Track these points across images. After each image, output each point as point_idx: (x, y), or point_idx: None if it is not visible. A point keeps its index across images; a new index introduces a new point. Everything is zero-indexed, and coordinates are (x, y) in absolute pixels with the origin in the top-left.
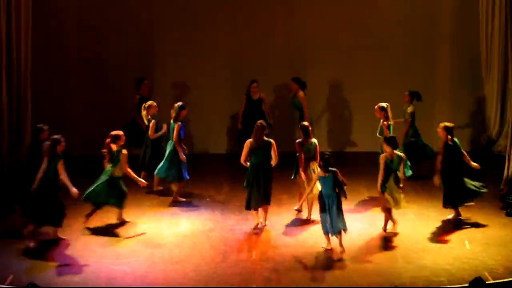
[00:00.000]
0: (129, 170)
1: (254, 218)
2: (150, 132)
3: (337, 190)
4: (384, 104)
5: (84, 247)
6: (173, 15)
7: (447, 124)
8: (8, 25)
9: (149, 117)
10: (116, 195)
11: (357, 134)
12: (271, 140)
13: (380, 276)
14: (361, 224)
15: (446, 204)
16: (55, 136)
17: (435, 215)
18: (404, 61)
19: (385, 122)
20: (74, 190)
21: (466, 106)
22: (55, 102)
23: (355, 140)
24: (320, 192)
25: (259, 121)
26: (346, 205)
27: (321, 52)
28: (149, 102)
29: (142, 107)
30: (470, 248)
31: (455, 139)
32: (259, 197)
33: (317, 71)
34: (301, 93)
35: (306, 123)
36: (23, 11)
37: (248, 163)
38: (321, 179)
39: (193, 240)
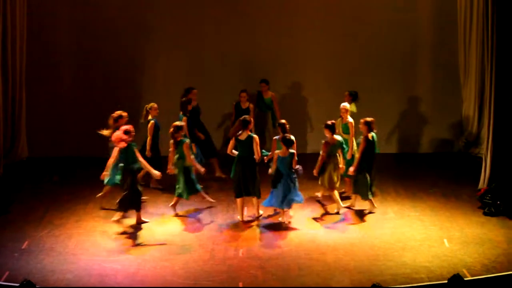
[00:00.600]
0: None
1: (238, 209)
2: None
3: (293, 170)
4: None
5: (77, 245)
6: (167, 18)
7: (368, 119)
8: (4, 27)
9: (150, 117)
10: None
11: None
12: (254, 135)
13: (361, 274)
14: (342, 223)
15: (356, 192)
16: (126, 127)
17: (415, 214)
18: (388, 67)
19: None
20: (156, 172)
21: (445, 110)
22: (49, 103)
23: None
24: (277, 170)
25: (244, 116)
26: (328, 206)
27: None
28: (151, 104)
29: (144, 109)
30: (449, 246)
31: (374, 135)
32: (246, 187)
33: (296, 76)
34: (272, 93)
35: (283, 120)
36: (18, 14)
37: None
38: (280, 158)
39: (182, 238)
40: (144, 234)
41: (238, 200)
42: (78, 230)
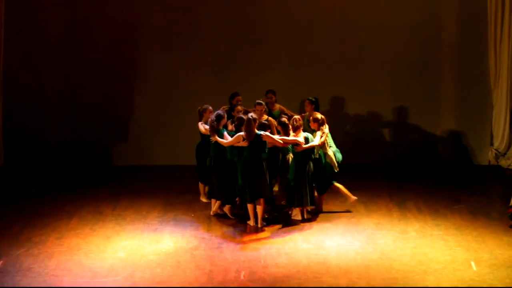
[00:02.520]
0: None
1: (250, 213)
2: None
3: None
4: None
5: (58, 265)
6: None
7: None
8: None
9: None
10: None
11: (354, 146)
12: (262, 132)
13: None
14: (359, 242)
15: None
16: (219, 112)
17: (439, 233)
18: (405, 70)
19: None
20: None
21: (472, 117)
22: (27, 109)
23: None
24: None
25: (250, 114)
26: (341, 222)
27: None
28: (204, 106)
29: (197, 112)
30: (476, 269)
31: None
32: (253, 190)
33: (311, 81)
34: (280, 106)
35: (284, 119)
36: None
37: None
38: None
39: (176, 258)
40: (134, 253)
41: (250, 205)
42: (59, 249)
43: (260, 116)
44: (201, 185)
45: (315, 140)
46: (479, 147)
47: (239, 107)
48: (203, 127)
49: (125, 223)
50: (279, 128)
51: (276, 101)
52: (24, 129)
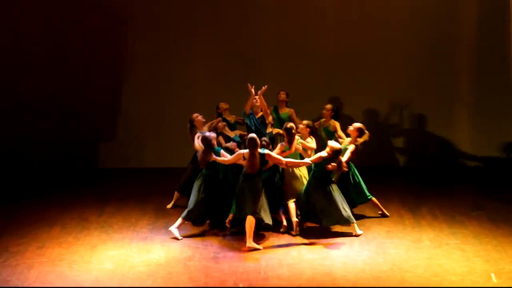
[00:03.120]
0: None
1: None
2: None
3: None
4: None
5: (38, 278)
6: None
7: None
8: None
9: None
10: None
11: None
12: (265, 151)
13: None
14: (368, 252)
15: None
16: (204, 135)
17: (456, 242)
18: (418, 67)
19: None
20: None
21: (491, 116)
22: (7, 110)
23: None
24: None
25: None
26: (350, 229)
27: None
28: (194, 116)
29: (188, 122)
30: (496, 282)
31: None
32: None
33: (317, 80)
34: (291, 110)
35: (291, 124)
36: None
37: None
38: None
39: (168, 270)
40: (122, 264)
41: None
42: (40, 259)
43: (257, 110)
44: (176, 194)
45: (345, 157)
46: (499, 149)
47: (223, 104)
48: (198, 143)
49: (112, 231)
50: (283, 133)
51: (287, 104)
52: (4, 130)
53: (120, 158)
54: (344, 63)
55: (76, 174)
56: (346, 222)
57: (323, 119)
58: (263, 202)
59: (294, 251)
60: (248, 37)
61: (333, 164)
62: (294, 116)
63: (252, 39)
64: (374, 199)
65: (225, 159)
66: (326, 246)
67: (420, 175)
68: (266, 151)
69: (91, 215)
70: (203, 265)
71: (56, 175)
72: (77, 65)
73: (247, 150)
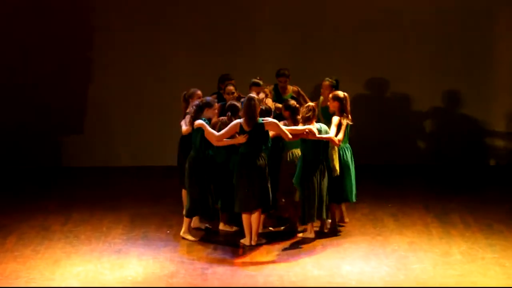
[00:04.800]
0: None
1: (246, 227)
2: None
3: None
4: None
5: None
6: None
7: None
8: None
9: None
10: None
11: (380, 142)
12: (266, 119)
13: None
14: (388, 268)
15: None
16: (207, 98)
17: (493, 256)
18: (448, 50)
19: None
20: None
21: None
22: None
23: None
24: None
25: (251, 95)
26: (364, 241)
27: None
28: (191, 90)
29: (182, 98)
30: None
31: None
32: (249, 197)
33: (319, 63)
34: (294, 87)
35: (293, 102)
36: None
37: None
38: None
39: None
40: (90, 281)
41: (246, 216)
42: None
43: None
44: (184, 192)
45: (331, 132)
46: None
47: (231, 87)
48: (184, 124)
49: (78, 242)
50: (285, 114)
51: (288, 82)
52: None
53: (88, 155)
54: (354, 38)
55: (35, 174)
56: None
57: (321, 98)
58: (268, 186)
59: (297, 267)
60: (239, 9)
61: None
62: (301, 91)
63: (245, 10)
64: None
65: (215, 133)
66: (336, 260)
67: (447, 175)
68: (267, 119)
69: (53, 223)
70: (188, 282)
71: (11, 175)
72: (35, 48)
73: (241, 120)
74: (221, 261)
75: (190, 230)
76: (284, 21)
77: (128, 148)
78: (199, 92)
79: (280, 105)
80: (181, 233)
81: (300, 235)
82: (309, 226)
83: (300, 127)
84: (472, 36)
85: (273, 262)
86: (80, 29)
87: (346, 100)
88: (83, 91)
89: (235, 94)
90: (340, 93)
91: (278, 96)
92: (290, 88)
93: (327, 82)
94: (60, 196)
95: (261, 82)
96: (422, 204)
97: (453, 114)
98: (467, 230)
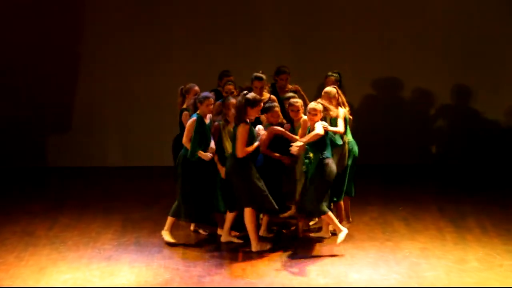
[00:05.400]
0: None
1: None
2: None
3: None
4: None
5: None
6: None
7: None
8: None
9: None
10: None
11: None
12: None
13: None
14: (398, 276)
15: None
16: (206, 94)
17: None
18: (461, 45)
19: None
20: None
21: None
22: None
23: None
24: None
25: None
26: (372, 246)
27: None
28: (189, 85)
29: (179, 92)
30: None
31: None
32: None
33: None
34: (295, 86)
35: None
36: None
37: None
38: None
39: None
40: None
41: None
42: None
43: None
44: None
45: (340, 126)
46: None
47: (229, 86)
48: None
49: (65, 248)
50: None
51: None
52: None
53: (75, 154)
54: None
55: (19, 174)
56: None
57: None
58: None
59: (301, 274)
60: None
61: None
62: (300, 90)
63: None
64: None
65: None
66: (343, 267)
67: (463, 175)
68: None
69: (38, 227)
70: None
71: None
72: (23, 44)
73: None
74: (219, 268)
75: (171, 230)
76: (286, 19)
77: (118, 147)
78: (196, 88)
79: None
80: (162, 232)
81: (313, 234)
82: (324, 225)
83: (313, 133)
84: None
85: (276, 269)
86: (71, 26)
87: (334, 96)
88: (71, 87)
89: (234, 93)
90: (318, 106)
91: (276, 95)
92: (289, 86)
93: (332, 77)
94: (45, 198)
95: (263, 76)
96: (436, 207)
97: (466, 112)
98: (484, 235)
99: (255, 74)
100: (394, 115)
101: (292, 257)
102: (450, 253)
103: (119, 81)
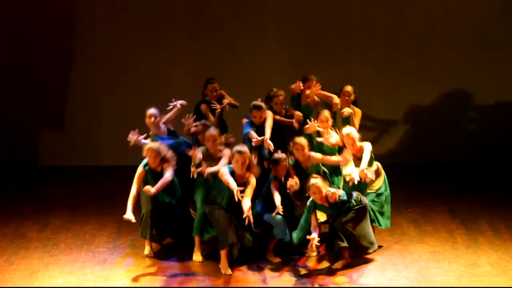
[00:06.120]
0: None
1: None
2: None
3: None
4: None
5: None
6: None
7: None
8: None
9: None
10: None
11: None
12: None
13: None
14: (407, 280)
15: None
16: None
17: None
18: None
19: None
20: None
21: None
22: None
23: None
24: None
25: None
26: (380, 250)
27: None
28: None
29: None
30: None
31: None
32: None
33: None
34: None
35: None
36: None
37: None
38: None
39: None
40: None
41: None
42: None
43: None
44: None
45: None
46: None
47: (214, 85)
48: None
49: (58, 251)
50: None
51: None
52: None
53: (68, 153)
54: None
55: (8, 174)
56: None
57: (339, 102)
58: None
59: (306, 277)
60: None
61: None
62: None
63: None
64: None
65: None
66: (349, 271)
67: (474, 176)
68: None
69: (29, 229)
70: None
71: None
72: (10, 34)
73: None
74: (218, 273)
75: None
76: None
77: (112, 146)
78: (151, 111)
79: (299, 113)
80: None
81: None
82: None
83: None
84: None
85: (280, 272)
86: (61, 19)
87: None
88: (63, 83)
89: (219, 92)
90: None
91: (297, 104)
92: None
93: (350, 87)
94: (36, 199)
95: (263, 105)
96: (447, 208)
97: (479, 109)
98: (497, 238)
99: (254, 103)
100: (401, 115)
101: (296, 262)
102: (461, 257)
103: (113, 77)
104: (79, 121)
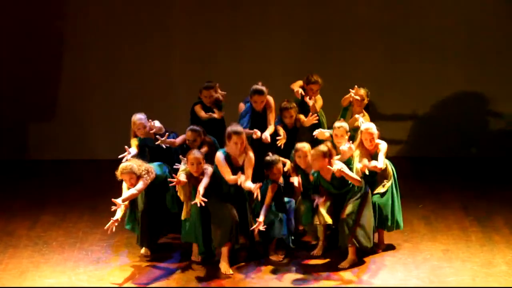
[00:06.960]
0: None
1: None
2: None
3: None
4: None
5: None
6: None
7: None
8: None
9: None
10: None
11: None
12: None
13: None
14: (418, 281)
15: None
16: None
17: None
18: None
19: None
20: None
21: None
22: None
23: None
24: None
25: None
26: (390, 248)
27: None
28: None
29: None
30: None
31: None
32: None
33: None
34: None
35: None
36: None
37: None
38: None
39: None
40: None
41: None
42: None
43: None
44: None
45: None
46: None
47: (209, 91)
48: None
49: (49, 250)
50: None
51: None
52: None
53: (59, 146)
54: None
55: None
56: None
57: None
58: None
59: (310, 278)
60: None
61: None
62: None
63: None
64: None
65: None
66: (357, 270)
67: (489, 169)
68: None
69: (19, 227)
70: None
71: None
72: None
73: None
74: (217, 273)
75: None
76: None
77: (106, 139)
78: (137, 117)
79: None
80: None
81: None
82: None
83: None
84: None
85: (285, 272)
86: (51, 9)
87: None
88: (53, 73)
89: (214, 97)
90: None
91: (304, 107)
92: (320, 99)
93: (363, 91)
94: (26, 194)
95: (264, 89)
96: (459, 204)
97: (489, 101)
98: None
99: (255, 86)
100: (413, 108)
101: (301, 261)
102: (475, 256)
103: (107, 67)
104: (70, 113)
